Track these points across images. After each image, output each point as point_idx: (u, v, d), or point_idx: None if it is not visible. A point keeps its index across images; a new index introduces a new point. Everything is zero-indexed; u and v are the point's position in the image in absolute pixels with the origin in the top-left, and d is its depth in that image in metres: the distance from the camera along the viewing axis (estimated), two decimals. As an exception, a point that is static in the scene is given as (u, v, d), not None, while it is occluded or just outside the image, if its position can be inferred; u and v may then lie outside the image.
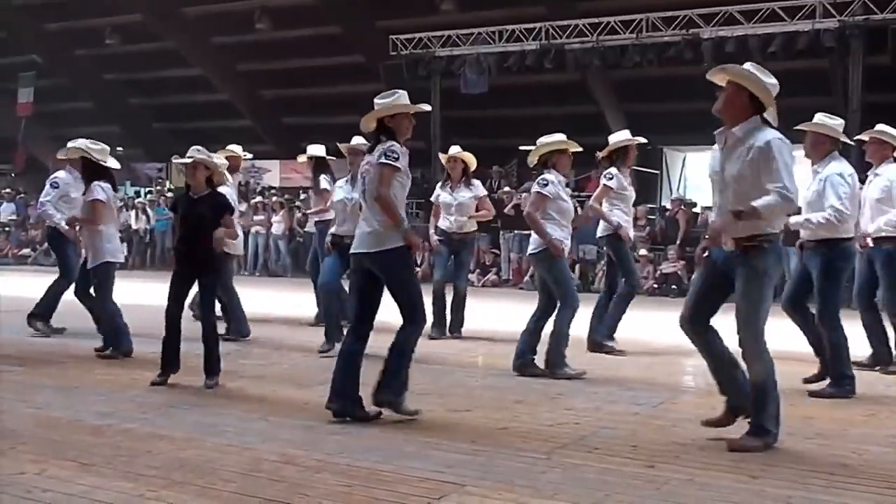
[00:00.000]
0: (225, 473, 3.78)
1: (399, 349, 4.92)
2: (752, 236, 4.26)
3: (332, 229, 7.42)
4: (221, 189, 6.37)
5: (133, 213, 20.40)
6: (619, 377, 6.37)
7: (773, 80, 4.35)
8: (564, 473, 3.88)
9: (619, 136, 7.82)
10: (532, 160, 6.67)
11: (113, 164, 7.17)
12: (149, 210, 20.67)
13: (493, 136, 19.97)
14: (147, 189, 24.20)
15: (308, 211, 10.69)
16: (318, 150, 9.04)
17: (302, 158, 9.20)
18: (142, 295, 11.73)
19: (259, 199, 19.49)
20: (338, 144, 7.58)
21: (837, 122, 5.91)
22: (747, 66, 4.38)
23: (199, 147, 6.09)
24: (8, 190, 24.22)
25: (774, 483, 3.78)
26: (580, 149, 6.78)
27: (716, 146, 4.49)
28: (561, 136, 6.64)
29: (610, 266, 7.82)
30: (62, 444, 4.23)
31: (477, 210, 8.40)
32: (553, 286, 6.49)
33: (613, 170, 7.60)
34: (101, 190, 6.92)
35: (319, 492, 3.56)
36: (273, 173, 24.53)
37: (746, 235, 4.26)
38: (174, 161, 8.14)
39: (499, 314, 8.60)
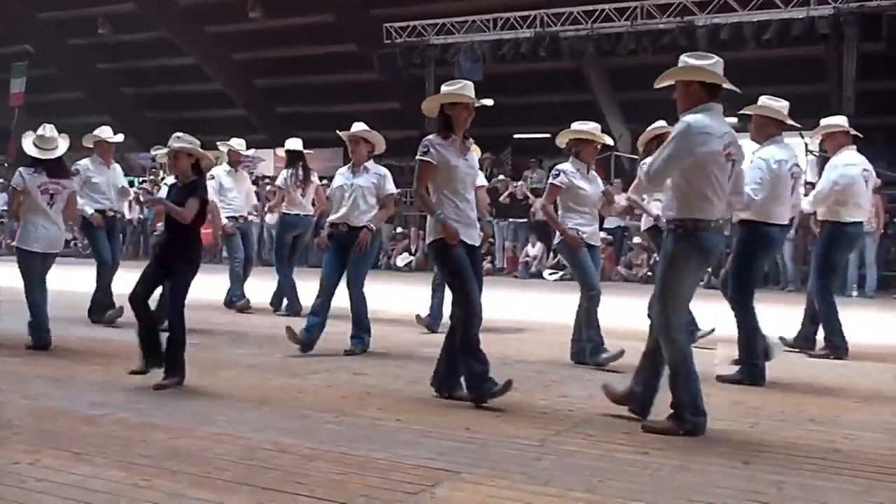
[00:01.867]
0: (219, 462, 3.78)
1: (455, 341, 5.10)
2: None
3: (329, 217, 7.24)
4: (214, 170, 6.04)
5: (126, 203, 20.36)
6: (613, 364, 6.36)
7: (709, 61, 4.34)
8: (558, 460, 3.88)
9: (658, 125, 7.73)
10: (560, 142, 6.65)
11: (57, 150, 6.69)
12: (142, 199, 20.63)
13: (487, 124, 19.96)
14: (141, 179, 24.14)
15: (269, 204, 11.17)
16: (294, 143, 9.28)
17: (281, 152, 9.36)
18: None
19: (253, 188, 19.46)
20: (338, 132, 7.44)
21: (782, 105, 5.81)
22: (683, 58, 4.41)
23: (178, 134, 5.65)
24: (0, 180, 24.17)
25: (767, 469, 3.79)
26: (610, 142, 6.70)
27: None
28: (594, 126, 6.55)
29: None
30: (55, 434, 4.23)
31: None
32: (575, 274, 6.60)
33: (649, 159, 7.52)
34: (17, 175, 6.67)
35: (313, 479, 3.56)
36: (267, 163, 24.52)
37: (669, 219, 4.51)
38: (156, 153, 8.12)
39: (493, 302, 8.55)
